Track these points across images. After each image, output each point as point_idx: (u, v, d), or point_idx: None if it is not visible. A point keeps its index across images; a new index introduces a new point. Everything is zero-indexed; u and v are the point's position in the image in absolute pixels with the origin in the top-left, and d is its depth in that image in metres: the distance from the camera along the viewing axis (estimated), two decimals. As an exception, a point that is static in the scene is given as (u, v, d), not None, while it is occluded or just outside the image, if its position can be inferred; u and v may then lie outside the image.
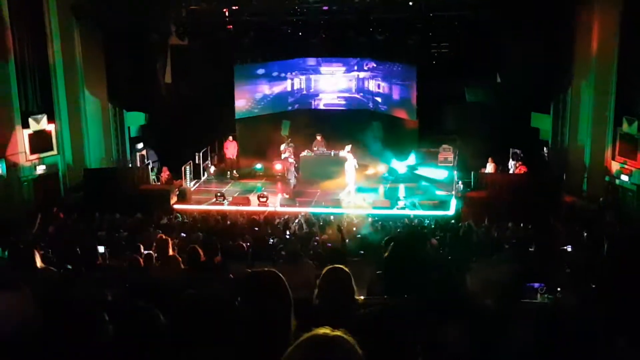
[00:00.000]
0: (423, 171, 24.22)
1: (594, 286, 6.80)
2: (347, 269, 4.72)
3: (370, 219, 18.47)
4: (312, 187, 23.26)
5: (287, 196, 22.31)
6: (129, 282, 6.96)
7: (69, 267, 9.40)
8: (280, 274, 3.61)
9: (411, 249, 7.80)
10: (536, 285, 5.88)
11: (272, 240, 14.21)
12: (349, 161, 22.34)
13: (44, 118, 21.77)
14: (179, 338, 3.57)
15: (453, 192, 21.62)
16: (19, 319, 3.77)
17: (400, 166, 24.39)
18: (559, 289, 6.11)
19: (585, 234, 14.75)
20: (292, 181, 23.31)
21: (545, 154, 23.69)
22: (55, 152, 22.34)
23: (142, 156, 25.51)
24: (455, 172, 23.00)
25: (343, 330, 2.33)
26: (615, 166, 20.31)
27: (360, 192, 22.18)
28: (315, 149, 24.66)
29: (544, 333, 2.73)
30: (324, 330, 2.30)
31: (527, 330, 2.80)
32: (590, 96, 21.30)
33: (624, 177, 19.81)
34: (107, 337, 3.12)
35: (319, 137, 24.82)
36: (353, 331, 2.41)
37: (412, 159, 24.42)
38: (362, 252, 13.34)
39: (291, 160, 23.73)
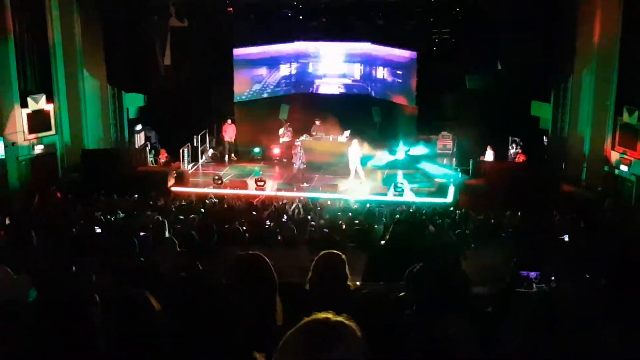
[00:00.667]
0: (423, 166, 24.00)
1: (588, 276, 6.79)
2: (340, 254, 4.68)
3: (367, 205, 18.46)
4: (310, 172, 23.17)
5: (301, 183, 21.87)
6: (123, 264, 6.93)
7: (65, 248, 9.37)
8: (266, 258, 3.60)
9: (409, 236, 7.77)
10: (532, 274, 5.85)
11: (268, 224, 14.18)
12: (354, 148, 22.16)
13: (43, 98, 21.69)
14: (171, 322, 3.55)
15: (451, 180, 21.58)
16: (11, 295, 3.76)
17: (398, 153, 24.33)
18: (552, 278, 6.08)
19: (583, 223, 14.72)
20: (298, 165, 22.98)
21: (545, 143, 23.63)
22: (53, 132, 22.27)
23: (140, 138, 25.45)
24: (453, 162, 22.96)
25: (345, 316, 2.30)
26: (614, 156, 20.26)
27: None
28: (313, 133, 24.56)
29: (542, 323, 2.70)
30: (326, 315, 2.26)
31: (525, 320, 2.76)
32: (591, 85, 21.22)
33: (623, 167, 19.76)
34: (97, 325, 3.10)
35: (317, 122, 24.73)
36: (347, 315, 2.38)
37: (401, 146, 24.19)
38: (358, 238, 13.31)
39: (297, 142, 23.42)
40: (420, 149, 23.89)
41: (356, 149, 22.01)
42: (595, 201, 19.17)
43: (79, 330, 3.20)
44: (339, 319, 2.25)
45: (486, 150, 22.84)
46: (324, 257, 4.64)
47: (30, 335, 3.25)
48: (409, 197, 20.34)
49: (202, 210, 16.68)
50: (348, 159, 22.14)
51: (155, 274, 4.39)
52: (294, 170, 23.02)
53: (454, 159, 22.91)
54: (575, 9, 21.41)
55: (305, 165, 23.03)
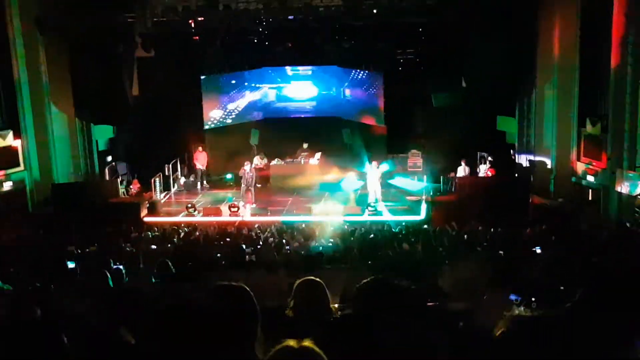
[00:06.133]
0: (396, 181, 24.10)
1: (562, 288, 6.88)
2: (319, 280, 4.73)
3: (344, 226, 18.46)
4: (283, 195, 23.17)
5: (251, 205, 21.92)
6: (98, 295, 6.89)
7: (37, 283, 9.29)
8: (247, 288, 3.62)
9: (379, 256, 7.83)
10: (512, 297, 5.90)
11: (244, 249, 14.16)
12: (373, 170, 21.94)
13: (10, 134, 21.46)
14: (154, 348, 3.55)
15: (423, 197, 21.72)
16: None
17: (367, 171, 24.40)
18: (533, 299, 6.12)
19: (554, 236, 14.91)
20: (244, 186, 22.51)
21: (513, 157, 23.93)
22: (22, 168, 22.00)
23: (111, 169, 25.28)
24: (424, 178, 23.13)
25: (310, 341, 2.36)
26: (580, 167, 20.54)
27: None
28: (303, 154, 24.56)
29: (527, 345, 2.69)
30: (291, 342, 2.34)
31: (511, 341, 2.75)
32: (554, 98, 21.53)
33: (590, 178, 20.03)
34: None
35: (305, 145, 24.76)
36: (325, 339, 2.43)
37: (384, 166, 24.28)
38: (335, 258, 13.35)
39: (245, 166, 22.76)
40: (398, 181, 24.00)
41: (375, 171, 21.96)
42: (565, 213, 19.39)
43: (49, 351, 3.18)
44: (305, 344, 2.35)
45: (460, 165, 23.03)
46: (303, 284, 4.68)
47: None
48: (383, 216, 20.48)
49: (176, 239, 16.61)
50: (367, 181, 22.13)
51: (138, 299, 4.36)
52: (241, 190, 22.57)
53: (425, 177, 23.09)
54: (535, 23, 21.82)
55: (252, 188, 22.51)
